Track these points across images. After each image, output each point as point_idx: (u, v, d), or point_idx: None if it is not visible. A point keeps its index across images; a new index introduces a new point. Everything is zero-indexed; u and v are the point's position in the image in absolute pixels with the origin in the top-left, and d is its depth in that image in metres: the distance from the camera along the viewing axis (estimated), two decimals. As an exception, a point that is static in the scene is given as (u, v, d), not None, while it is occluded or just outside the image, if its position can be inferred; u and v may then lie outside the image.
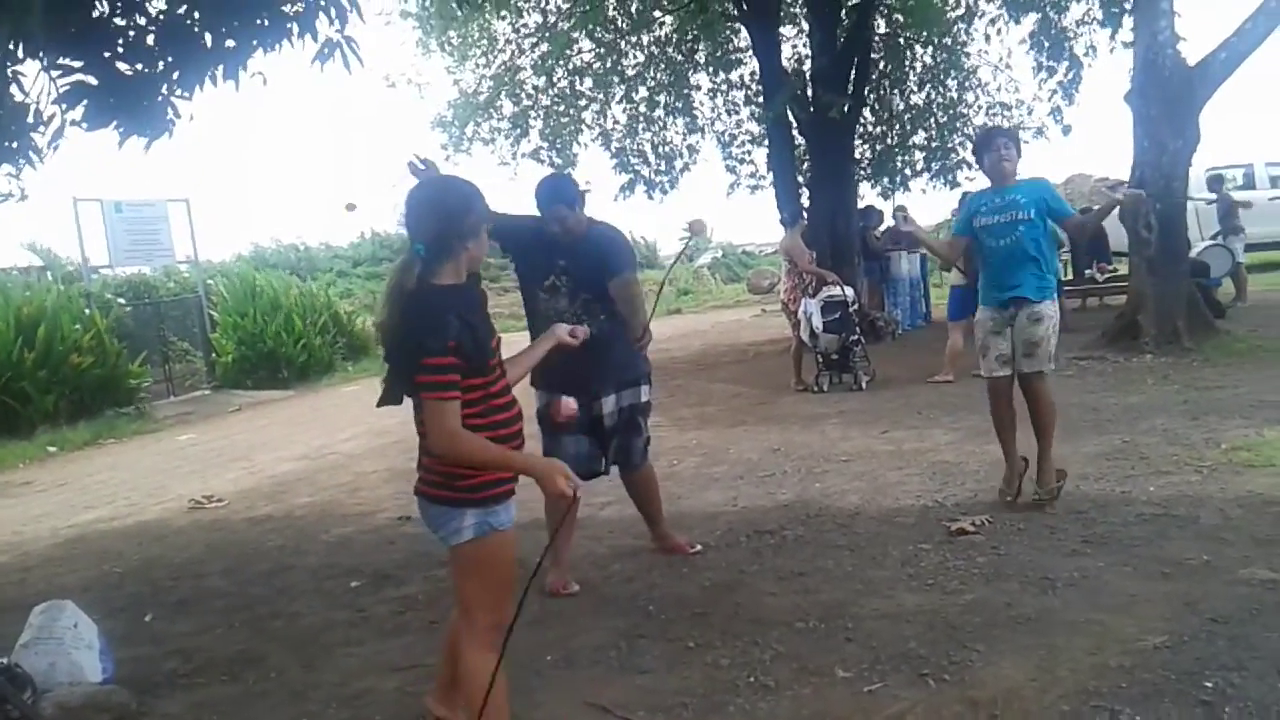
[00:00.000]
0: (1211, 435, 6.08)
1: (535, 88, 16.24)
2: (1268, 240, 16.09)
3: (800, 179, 15.01)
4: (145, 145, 5.42)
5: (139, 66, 5.29)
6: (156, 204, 15.87)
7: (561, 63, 15.75)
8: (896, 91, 16.86)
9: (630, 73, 16.40)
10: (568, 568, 4.58)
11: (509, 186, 17.74)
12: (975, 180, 14.55)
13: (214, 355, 16.27)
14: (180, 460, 9.88)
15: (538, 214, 4.47)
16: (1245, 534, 4.26)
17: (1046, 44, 14.65)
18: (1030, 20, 14.51)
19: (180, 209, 16.06)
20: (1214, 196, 13.74)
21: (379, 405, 2.74)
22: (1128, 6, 11.26)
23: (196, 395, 15.30)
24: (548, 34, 15.47)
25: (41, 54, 4.96)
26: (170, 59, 5.29)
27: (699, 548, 4.92)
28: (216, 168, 58.48)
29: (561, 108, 16.36)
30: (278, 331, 16.20)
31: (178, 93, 5.39)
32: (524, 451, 2.77)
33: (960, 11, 15.29)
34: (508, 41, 16.12)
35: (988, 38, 16.01)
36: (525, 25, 16.04)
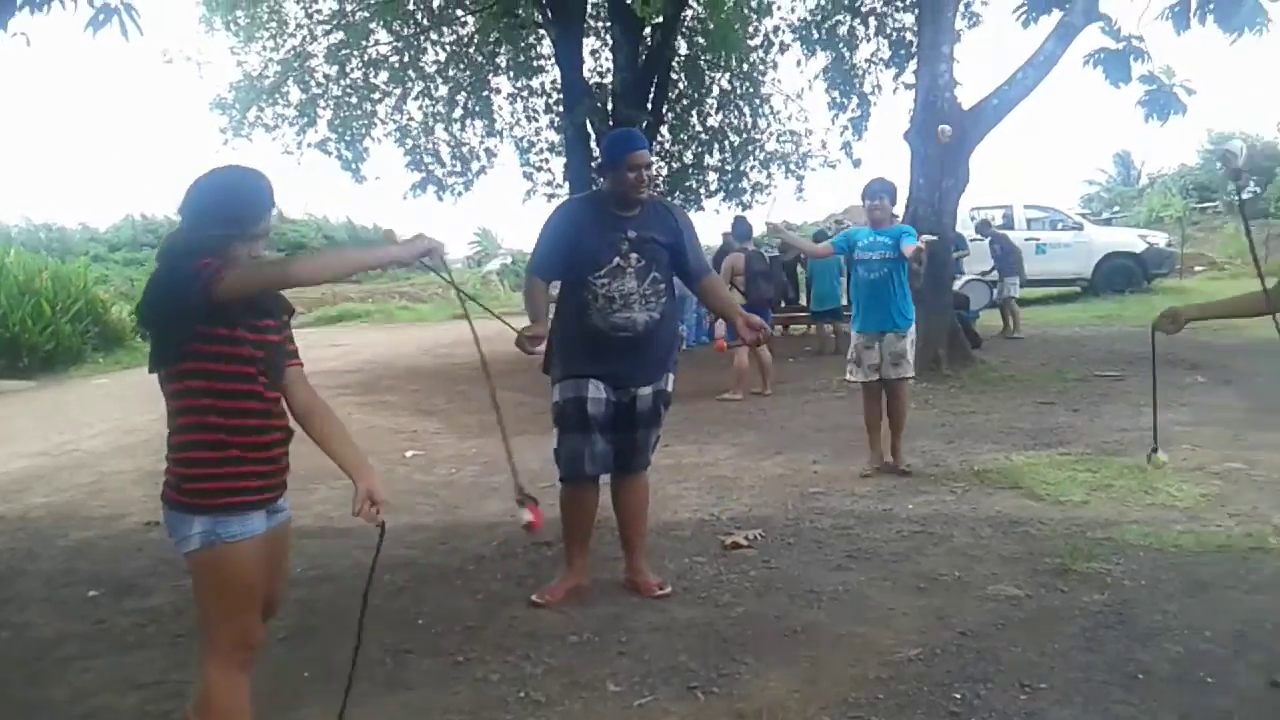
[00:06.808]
0: (966, 458, 6.48)
1: (326, 76, 15.64)
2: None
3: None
4: None
5: None
6: (-114, 167, 14.34)
7: (356, 53, 15.23)
8: (694, 112, 17.26)
9: (429, 70, 16.04)
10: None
11: (294, 174, 17.06)
12: (767, 205, 15.07)
13: (-55, 339, 14.68)
14: (-103, 452, 8.84)
15: (581, 204, 4.24)
16: (994, 552, 4.54)
17: (839, 80, 15.35)
18: (824, 57, 15.20)
19: (-84, 175, 14.55)
20: (978, 237, 14.67)
21: (150, 371, 2.46)
22: (913, 50, 11.94)
23: (-78, 381, 13.84)
24: (343, 22, 14.92)
25: None
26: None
27: (669, 589, 4.20)
28: (-37, 134, 53.27)
29: (354, 100, 15.81)
30: (24, 317, 14.77)
31: (-76, 44, 4.82)
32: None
33: (758, 41, 15.81)
34: (299, 26, 15.46)
35: (775, 65, 16.71)
36: (319, 11, 15.42)
